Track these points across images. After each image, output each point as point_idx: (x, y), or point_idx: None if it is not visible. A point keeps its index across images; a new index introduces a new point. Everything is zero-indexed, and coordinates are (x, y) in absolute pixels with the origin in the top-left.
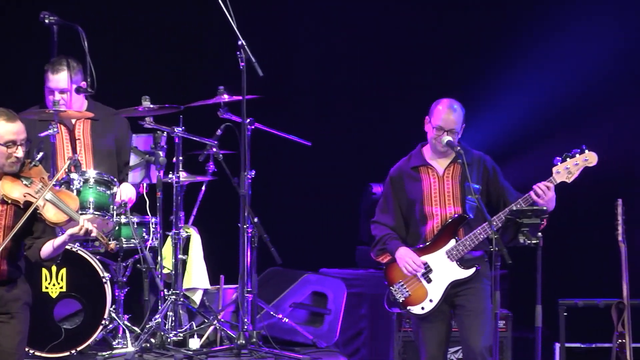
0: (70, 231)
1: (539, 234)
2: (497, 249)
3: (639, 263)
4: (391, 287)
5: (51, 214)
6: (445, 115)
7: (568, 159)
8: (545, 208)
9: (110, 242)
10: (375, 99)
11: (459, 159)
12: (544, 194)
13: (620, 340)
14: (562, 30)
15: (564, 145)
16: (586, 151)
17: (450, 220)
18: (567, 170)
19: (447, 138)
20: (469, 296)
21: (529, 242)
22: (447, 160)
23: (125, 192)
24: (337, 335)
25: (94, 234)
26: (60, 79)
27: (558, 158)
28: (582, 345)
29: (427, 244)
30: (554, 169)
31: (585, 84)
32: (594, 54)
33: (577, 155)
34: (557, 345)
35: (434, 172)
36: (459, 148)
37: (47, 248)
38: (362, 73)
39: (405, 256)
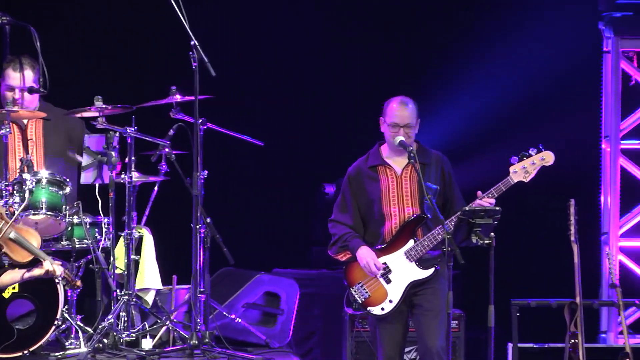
0: (35, 273)
1: (492, 234)
2: (449, 248)
3: (592, 263)
4: (351, 288)
5: (17, 253)
6: (398, 111)
7: (525, 158)
8: (498, 208)
9: (76, 280)
10: (328, 99)
11: (411, 159)
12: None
13: (572, 340)
14: (517, 30)
15: (519, 144)
16: (543, 150)
17: (408, 221)
18: (524, 169)
19: (399, 138)
20: (427, 296)
21: (482, 242)
22: (405, 160)
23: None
24: (290, 335)
25: (62, 276)
26: (26, 75)
27: (515, 157)
28: (534, 345)
29: (386, 244)
30: (511, 168)
31: (539, 83)
32: (549, 54)
33: (534, 155)
34: (510, 345)
35: (392, 171)
36: (411, 148)
37: (5, 281)
38: (314, 73)
39: (366, 256)
